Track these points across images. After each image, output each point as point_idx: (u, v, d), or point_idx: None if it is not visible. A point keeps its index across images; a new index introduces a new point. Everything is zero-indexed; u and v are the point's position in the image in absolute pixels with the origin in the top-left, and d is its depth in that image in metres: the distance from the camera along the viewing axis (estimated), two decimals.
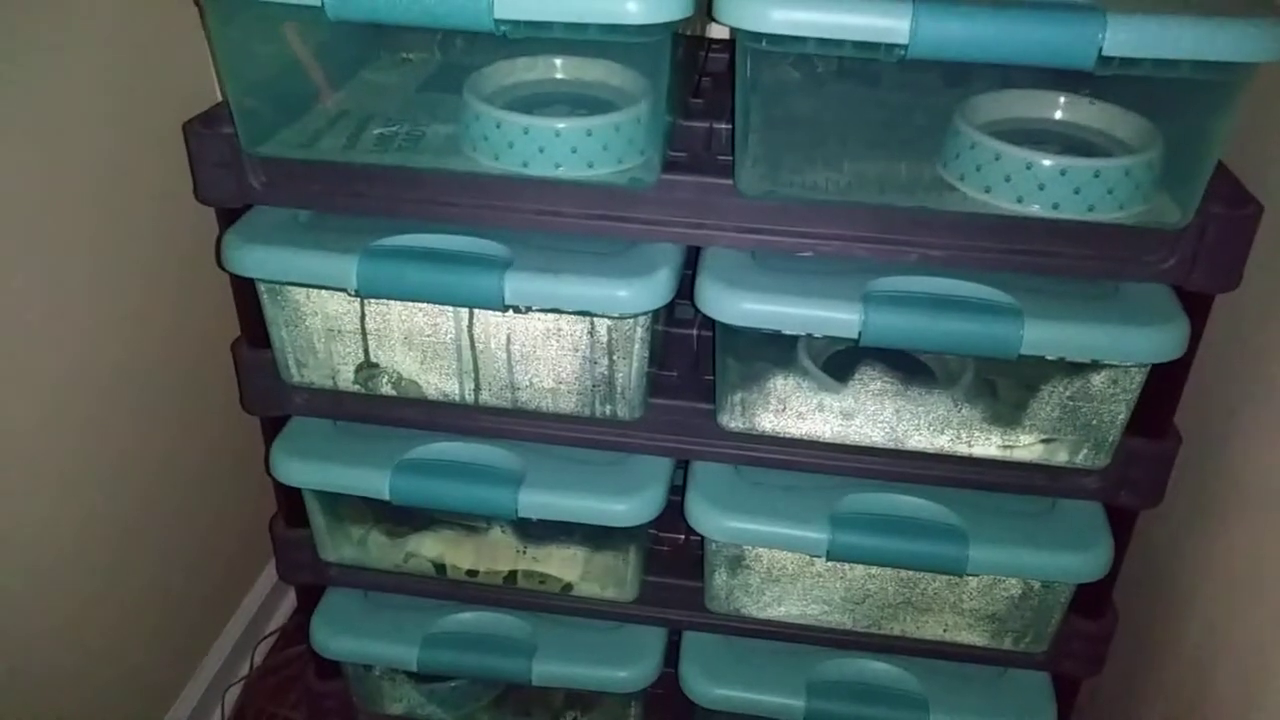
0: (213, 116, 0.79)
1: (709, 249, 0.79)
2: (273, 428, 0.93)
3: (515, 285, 0.75)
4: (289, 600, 1.40)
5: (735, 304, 0.74)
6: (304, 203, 0.80)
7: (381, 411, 0.87)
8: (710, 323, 0.87)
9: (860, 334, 0.72)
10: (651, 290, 0.75)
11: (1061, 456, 0.79)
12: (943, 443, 0.80)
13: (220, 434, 1.15)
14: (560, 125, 0.73)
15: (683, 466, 0.92)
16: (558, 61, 0.83)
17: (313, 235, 0.79)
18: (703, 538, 0.89)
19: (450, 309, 0.80)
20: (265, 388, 0.88)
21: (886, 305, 0.72)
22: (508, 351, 0.81)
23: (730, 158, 0.76)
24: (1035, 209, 0.70)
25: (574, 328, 0.79)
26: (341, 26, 0.67)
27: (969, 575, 0.82)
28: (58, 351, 0.86)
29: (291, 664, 1.31)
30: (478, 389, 0.84)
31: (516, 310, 0.77)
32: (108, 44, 0.88)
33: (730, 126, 0.79)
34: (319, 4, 0.66)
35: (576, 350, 0.80)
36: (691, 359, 0.90)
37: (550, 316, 0.79)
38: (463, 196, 0.76)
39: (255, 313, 0.84)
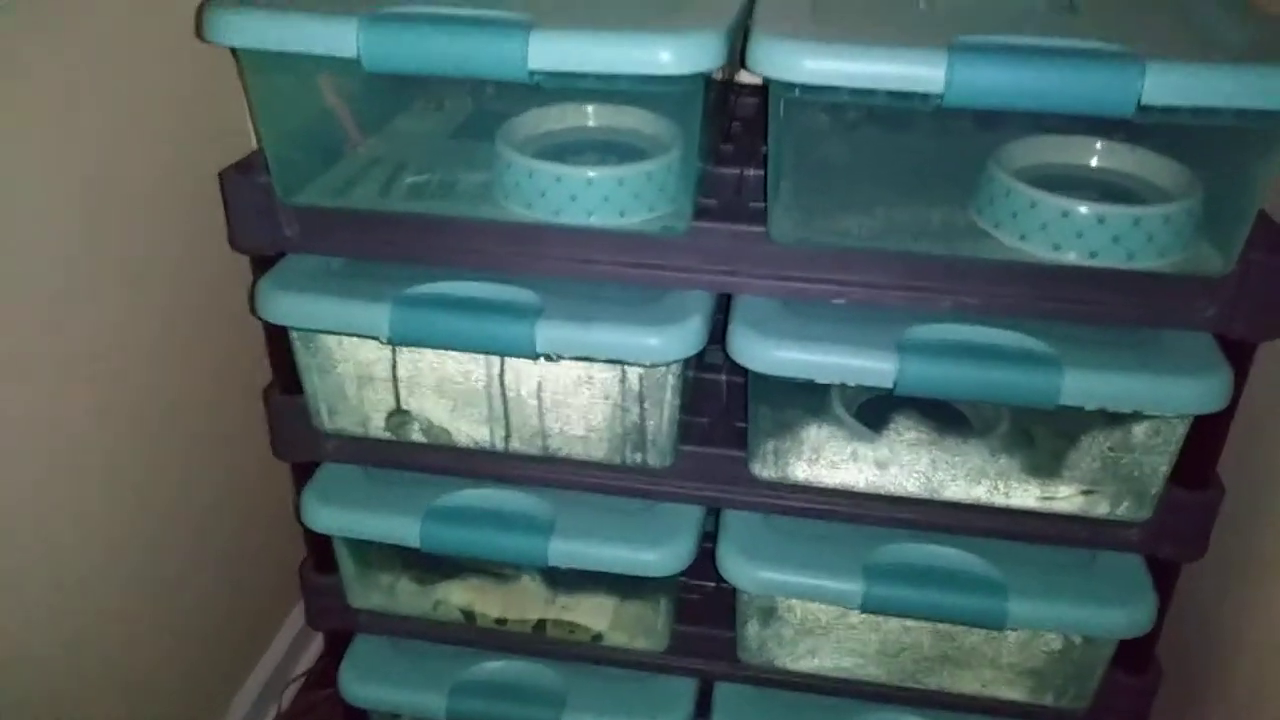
0: (248, 165, 0.80)
1: (740, 296, 0.78)
2: (303, 473, 0.93)
3: (547, 334, 0.74)
4: (317, 643, 1.39)
5: (768, 352, 0.73)
6: (337, 250, 0.80)
7: (412, 458, 0.86)
8: (739, 369, 0.87)
9: (896, 383, 0.71)
10: (683, 338, 0.75)
11: (1102, 508, 0.78)
12: (979, 493, 0.79)
13: (248, 478, 1.16)
14: (592, 174, 0.73)
15: (713, 514, 0.91)
16: (590, 109, 0.83)
17: (345, 283, 0.80)
18: (734, 587, 0.87)
19: (482, 357, 0.80)
20: (296, 434, 0.88)
21: (922, 354, 0.71)
22: (539, 399, 0.81)
23: (762, 204, 0.76)
24: (1072, 257, 0.69)
25: (605, 375, 0.79)
26: (376, 76, 0.68)
27: (1008, 629, 0.80)
28: (90, 394, 0.86)
29: (318, 707, 1.30)
30: (508, 436, 0.83)
31: (548, 358, 0.76)
32: (147, 92, 0.89)
33: (761, 172, 0.79)
34: (355, 57, 0.66)
35: (607, 398, 0.80)
36: (721, 405, 0.89)
37: (581, 364, 0.78)
38: (495, 244, 0.76)
39: (288, 359, 0.84)
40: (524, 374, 0.80)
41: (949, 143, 0.82)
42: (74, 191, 0.82)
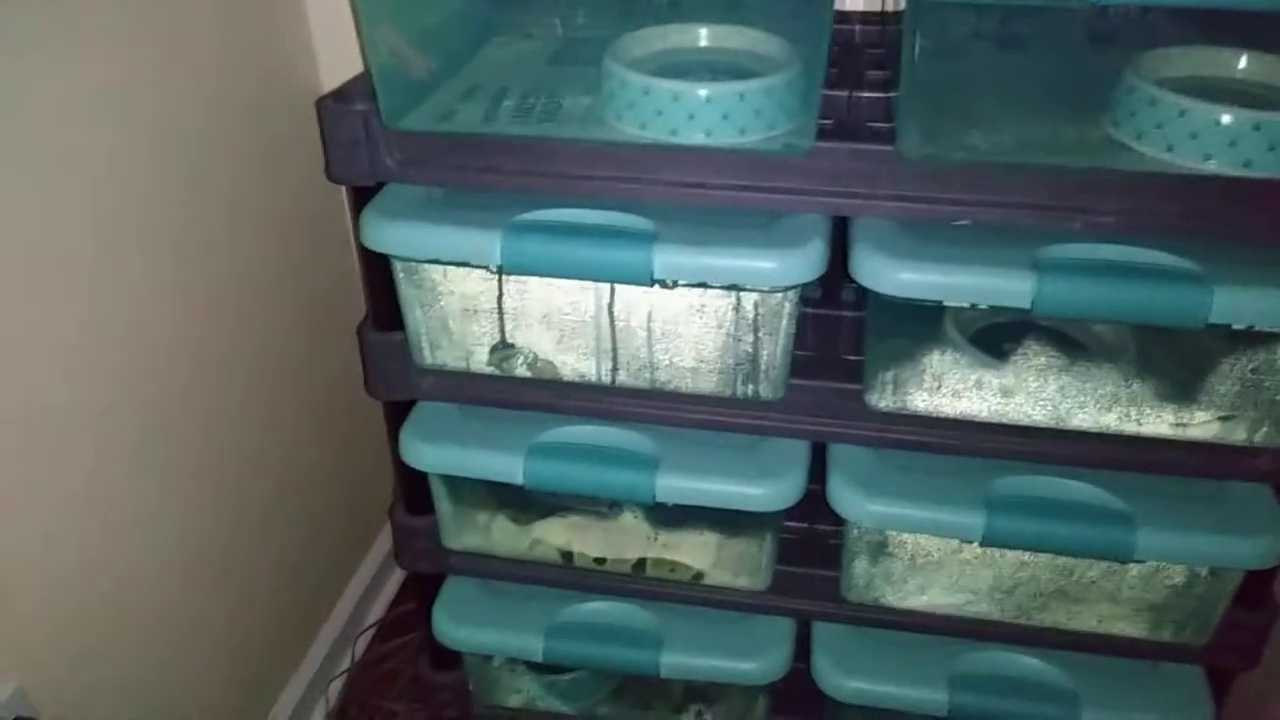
0: (345, 93, 0.77)
1: (858, 219, 0.76)
2: (395, 413, 0.91)
3: (664, 259, 0.72)
4: (386, 593, 1.39)
5: (895, 274, 0.70)
6: (441, 179, 0.78)
7: (514, 394, 0.84)
8: (837, 302, 0.84)
9: (1033, 304, 0.68)
10: (806, 261, 0.72)
11: (1239, 435, 0.75)
12: (1109, 421, 0.76)
13: (318, 429, 1.15)
14: (711, 90, 0.70)
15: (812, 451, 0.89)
16: (701, 29, 0.80)
17: (449, 212, 0.77)
18: (837, 525, 0.85)
19: (591, 286, 0.77)
20: (393, 371, 0.86)
21: (1062, 273, 0.68)
22: (648, 329, 0.79)
23: (877, 124, 0.73)
24: (1221, 167, 0.66)
25: (719, 303, 0.76)
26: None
27: (1137, 561, 0.78)
28: (168, 341, 0.86)
29: (391, 657, 1.30)
30: (615, 369, 0.81)
31: (663, 285, 0.74)
32: (217, 32, 0.88)
33: (871, 95, 0.76)
34: None
35: (720, 327, 0.77)
36: (824, 338, 0.87)
37: (695, 292, 0.76)
38: (605, 168, 0.73)
39: (386, 294, 0.82)
40: (634, 303, 0.78)
41: (1080, 56, 0.79)
42: (145, 133, 0.80)
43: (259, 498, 1.04)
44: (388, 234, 0.76)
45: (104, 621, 0.82)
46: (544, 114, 0.77)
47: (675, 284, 0.74)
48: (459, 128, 0.76)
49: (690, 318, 0.77)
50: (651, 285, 0.74)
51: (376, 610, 1.38)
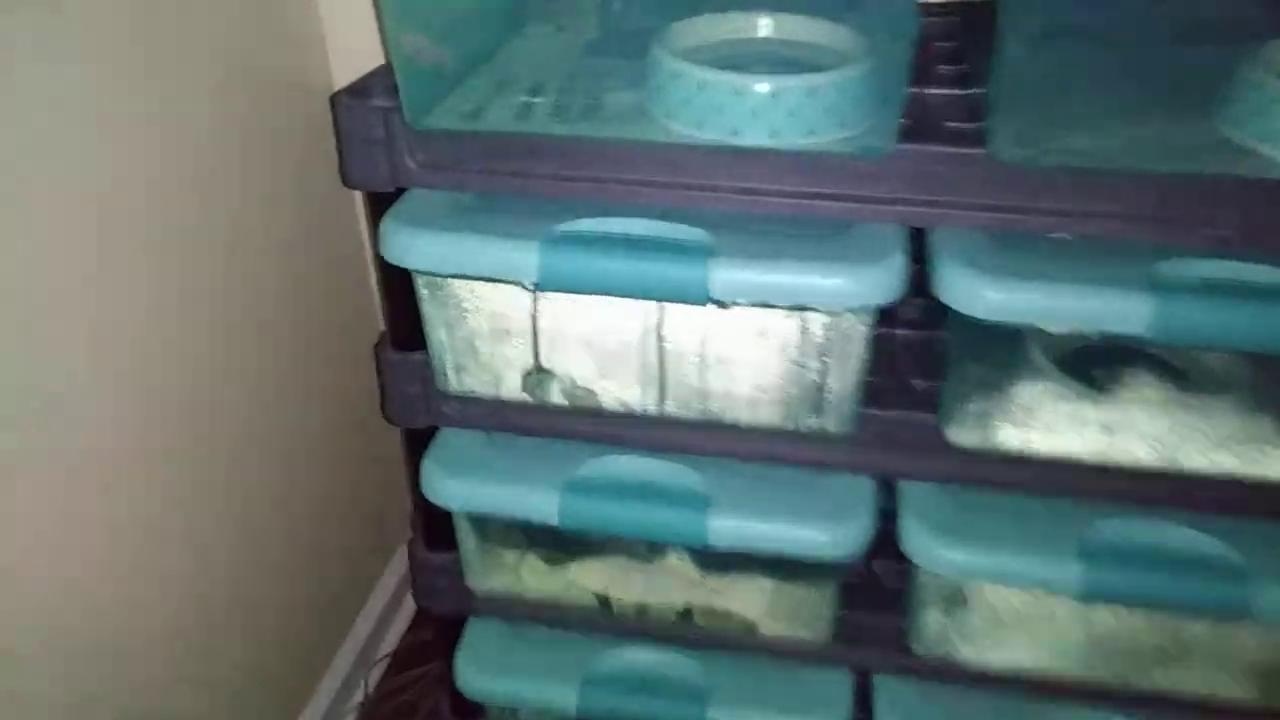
0: (363, 88, 0.70)
1: (937, 231, 0.67)
2: (415, 441, 0.83)
3: (722, 275, 0.63)
4: (400, 622, 1.33)
5: (985, 292, 0.62)
6: (470, 183, 0.70)
7: (549, 424, 0.76)
8: (906, 323, 0.76)
9: (1150, 328, 0.59)
10: (887, 279, 0.63)
11: None
12: (1226, 462, 0.67)
13: (328, 451, 1.08)
14: (778, 84, 0.62)
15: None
16: (762, 19, 0.71)
17: (479, 220, 0.69)
18: (905, 570, 0.76)
19: (637, 305, 0.69)
20: (413, 396, 0.78)
21: (1186, 294, 0.59)
22: (701, 355, 0.70)
23: (959, 124, 0.64)
24: None
25: (783, 326, 0.68)
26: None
27: (1252, 620, 0.69)
28: (168, 361, 0.79)
29: (406, 690, 1.25)
30: (662, 398, 0.73)
31: (719, 305, 0.65)
32: (221, 24, 0.81)
33: (945, 91, 0.68)
34: None
35: (783, 352, 0.69)
36: (892, 364, 0.78)
37: (755, 313, 0.67)
38: (655, 172, 0.65)
39: (406, 311, 0.74)
40: (685, 325, 0.69)
41: (1181, 49, 0.71)
42: (144, 138, 0.74)
43: (265, 525, 0.97)
44: (410, 245, 0.68)
45: (100, 658, 0.75)
46: (584, 111, 0.68)
47: (733, 304, 0.66)
48: (490, 126, 0.68)
49: (749, 342, 0.69)
50: (706, 305, 0.65)
51: (390, 640, 1.31)
